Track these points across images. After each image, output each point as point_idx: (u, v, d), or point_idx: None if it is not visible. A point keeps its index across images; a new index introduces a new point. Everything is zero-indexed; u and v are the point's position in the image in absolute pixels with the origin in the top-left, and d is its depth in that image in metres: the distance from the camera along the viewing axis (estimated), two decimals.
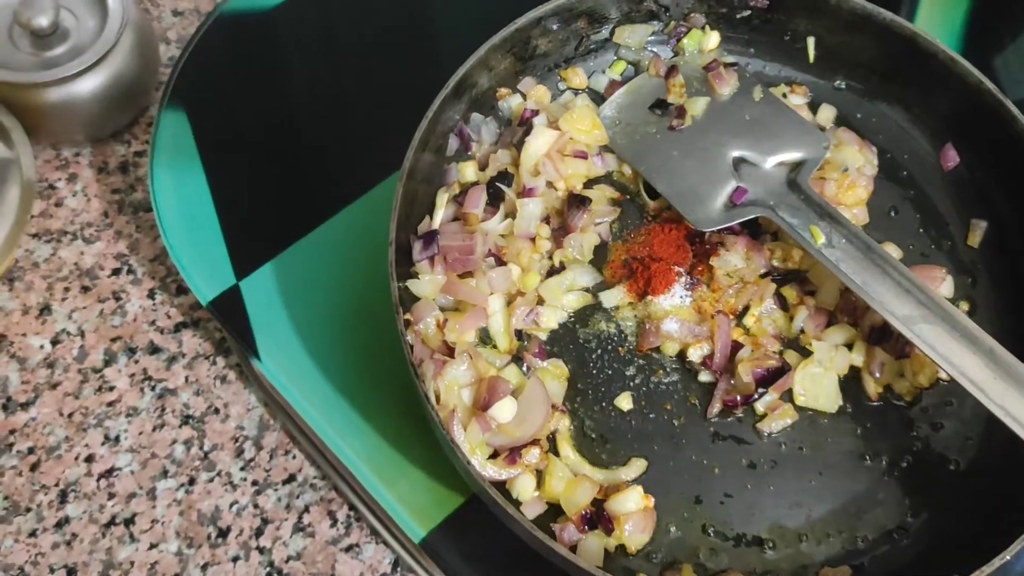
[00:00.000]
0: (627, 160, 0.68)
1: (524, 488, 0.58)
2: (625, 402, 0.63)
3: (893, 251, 0.67)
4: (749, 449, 0.62)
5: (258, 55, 0.80)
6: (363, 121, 0.76)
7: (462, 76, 0.63)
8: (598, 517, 0.57)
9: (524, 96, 0.70)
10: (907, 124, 0.72)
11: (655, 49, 0.73)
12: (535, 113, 0.67)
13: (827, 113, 0.72)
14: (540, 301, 0.64)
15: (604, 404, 0.63)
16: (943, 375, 0.62)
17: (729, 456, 0.61)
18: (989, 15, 0.82)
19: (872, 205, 0.69)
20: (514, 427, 0.58)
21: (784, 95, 0.72)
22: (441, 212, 0.63)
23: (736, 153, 0.68)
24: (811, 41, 0.72)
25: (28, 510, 0.70)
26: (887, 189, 0.70)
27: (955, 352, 0.58)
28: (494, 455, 0.59)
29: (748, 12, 0.71)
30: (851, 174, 0.68)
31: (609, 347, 0.64)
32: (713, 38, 0.72)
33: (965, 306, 0.66)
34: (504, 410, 0.57)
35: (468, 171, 0.66)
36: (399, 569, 0.66)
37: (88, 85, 0.78)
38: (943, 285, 0.66)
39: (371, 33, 0.80)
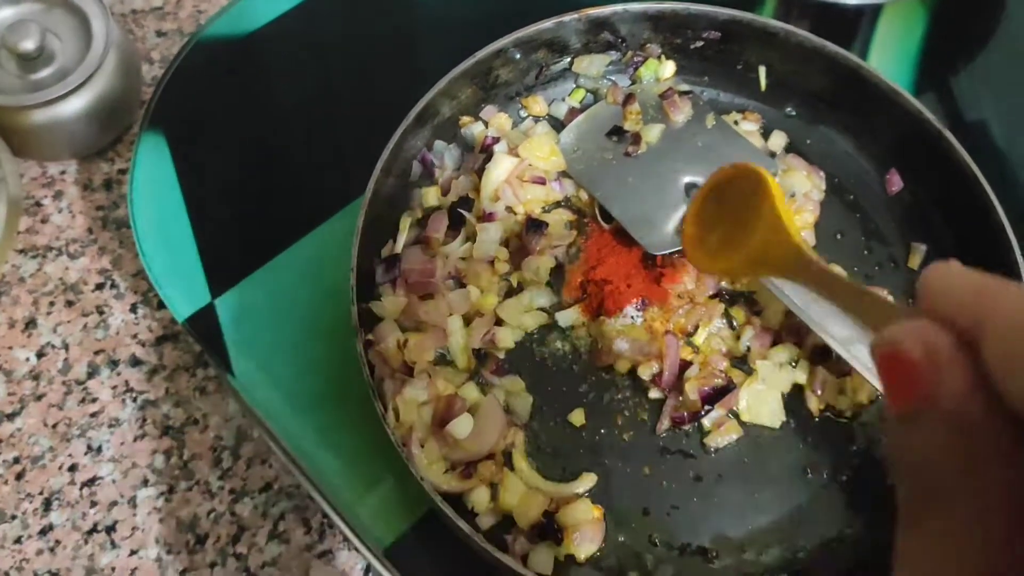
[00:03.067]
0: (584, 186, 0.71)
1: (479, 500, 0.61)
2: (578, 417, 0.66)
3: (839, 271, 0.70)
4: (696, 463, 0.65)
5: (234, 79, 0.82)
6: (333, 145, 0.78)
7: (424, 105, 0.66)
8: (549, 528, 0.61)
9: (486, 124, 0.72)
10: (853, 150, 0.75)
11: (613, 78, 0.76)
12: (496, 140, 0.70)
13: (778, 139, 0.75)
14: (498, 321, 0.67)
15: (558, 420, 0.66)
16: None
17: (677, 470, 0.64)
18: (942, 44, 0.85)
19: (819, 228, 0.72)
20: (470, 442, 0.61)
21: (736, 122, 0.75)
22: (404, 236, 0.66)
23: (689, 179, 0.70)
24: (762, 71, 0.75)
25: (13, 517, 0.73)
26: (834, 213, 0.73)
27: None
28: (452, 468, 0.62)
29: (702, 43, 0.74)
30: (799, 199, 0.71)
31: (564, 365, 0.67)
32: (668, 67, 0.75)
33: None
34: (461, 426, 0.60)
35: (430, 196, 0.69)
36: (371, 574, 0.69)
37: (73, 106, 0.81)
38: None
39: (342, 61, 0.83)
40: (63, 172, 0.87)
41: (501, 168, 0.68)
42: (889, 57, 0.83)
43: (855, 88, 0.71)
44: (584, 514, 0.60)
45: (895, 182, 0.73)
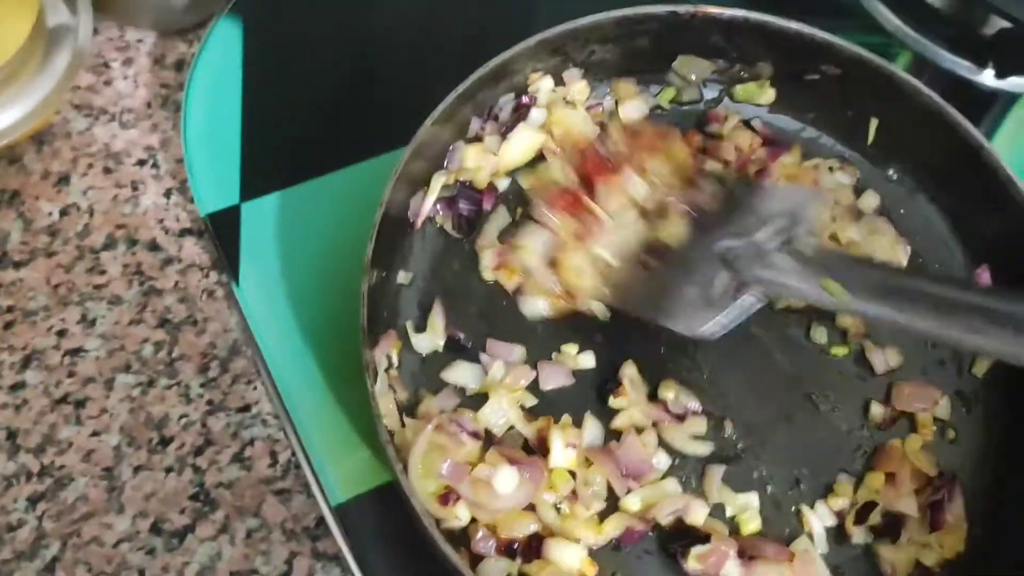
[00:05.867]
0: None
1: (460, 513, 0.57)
2: None
3: (894, 357, 0.64)
4: None
5: None
6: (412, 80, 0.74)
7: (502, 62, 0.60)
8: (531, 550, 0.55)
9: (559, 85, 0.66)
10: (949, 235, 0.68)
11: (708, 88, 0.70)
12: (531, 103, 0.64)
13: (871, 200, 0.69)
14: None
15: None
16: None
17: None
18: None
19: None
20: (496, 501, 0.56)
21: (831, 169, 0.69)
22: (434, 196, 0.61)
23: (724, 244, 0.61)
24: (874, 123, 0.69)
25: None
26: None
27: None
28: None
29: (817, 76, 0.68)
30: None
31: None
32: (768, 94, 0.69)
33: (951, 434, 0.63)
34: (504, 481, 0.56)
35: (470, 155, 0.64)
36: (321, 527, 0.66)
37: None
38: (938, 406, 0.63)
39: None
40: (139, 41, 0.84)
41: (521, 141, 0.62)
42: (1013, 151, 0.75)
43: (970, 168, 0.64)
44: (575, 560, 0.55)
45: (984, 278, 0.66)
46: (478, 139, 0.65)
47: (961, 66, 0.77)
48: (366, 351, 0.54)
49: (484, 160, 0.63)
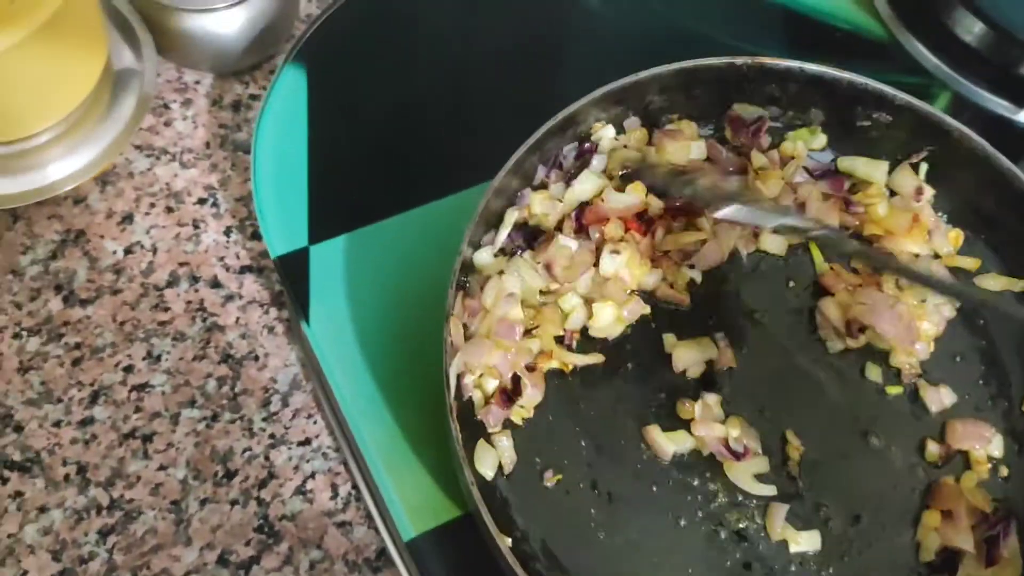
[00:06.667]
0: None
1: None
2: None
3: (947, 394, 0.66)
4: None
5: (390, 34, 0.81)
6: (473, 124, 0.76)
7: (568, 115, 0.63)
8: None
9: (619, 133, 0.69)
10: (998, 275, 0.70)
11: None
12: (594, 148, 0.68)
13: None
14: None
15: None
16: None
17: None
18: None
19: (939, 344, 0.68)
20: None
21: None
22: (507, 230, 0.64)
23: None
24: (923, 167, 0.71)
25: (59, 401, 0.73)
26: (959, 334, 0.69)
27: None
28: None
29: (868, 123, 0.70)
30: (928, 308, 0.67)
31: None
32: (820, 139, 0.71)
33: (1004, 471, 0.65)
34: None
35: (537, 202, 0.67)
36: (383, 558, 0.67)
37: (226, 21, 0.81)
38: (991, 444, 0.65)
39: (506, 43, 0.80)
40: (197, 82, 0.87)
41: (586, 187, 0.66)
42: None
43: (1019, 212, 0.66)
44: None
45: None
46: (543, 186, 0.67)
47: (1000, 105, 0.80)
48: (449, 396, 0.56)
49: (551, 207, 0.65)
